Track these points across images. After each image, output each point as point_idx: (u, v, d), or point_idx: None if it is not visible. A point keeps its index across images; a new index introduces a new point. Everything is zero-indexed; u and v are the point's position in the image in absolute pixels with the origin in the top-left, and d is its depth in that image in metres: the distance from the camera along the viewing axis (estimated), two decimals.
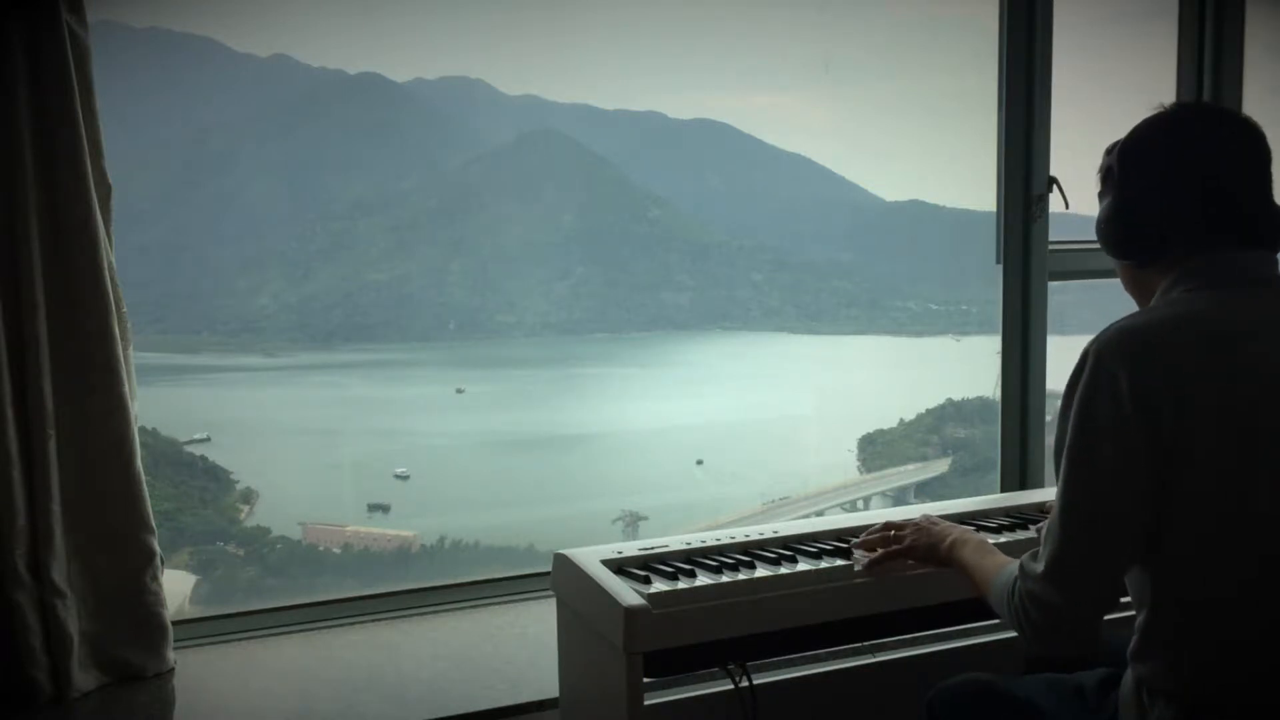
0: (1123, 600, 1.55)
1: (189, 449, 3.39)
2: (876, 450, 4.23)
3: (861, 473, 4.19)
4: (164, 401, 3.19)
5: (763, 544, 2.10)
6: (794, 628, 1.96)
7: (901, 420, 4.24)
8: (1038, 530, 2.12)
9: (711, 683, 2.24)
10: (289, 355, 3.78)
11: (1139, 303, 1.65)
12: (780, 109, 4.19)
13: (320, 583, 3.52)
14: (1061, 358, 2.95)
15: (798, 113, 4.22)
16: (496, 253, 3.97)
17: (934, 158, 4.10)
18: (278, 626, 2.60)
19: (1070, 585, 1.48)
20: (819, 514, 3.85)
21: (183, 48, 3.30)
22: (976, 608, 1.79)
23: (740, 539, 2.11)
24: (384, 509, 3.65)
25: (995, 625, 2.41)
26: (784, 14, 3.90)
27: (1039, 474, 3.04)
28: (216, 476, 3.43)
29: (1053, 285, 3.00)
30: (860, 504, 4.07)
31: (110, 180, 2.22)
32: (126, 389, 2.24)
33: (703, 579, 1.91)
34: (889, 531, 2.01)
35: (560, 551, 2.05)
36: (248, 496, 3.48)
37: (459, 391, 3.96)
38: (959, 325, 4.34)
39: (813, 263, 4.37)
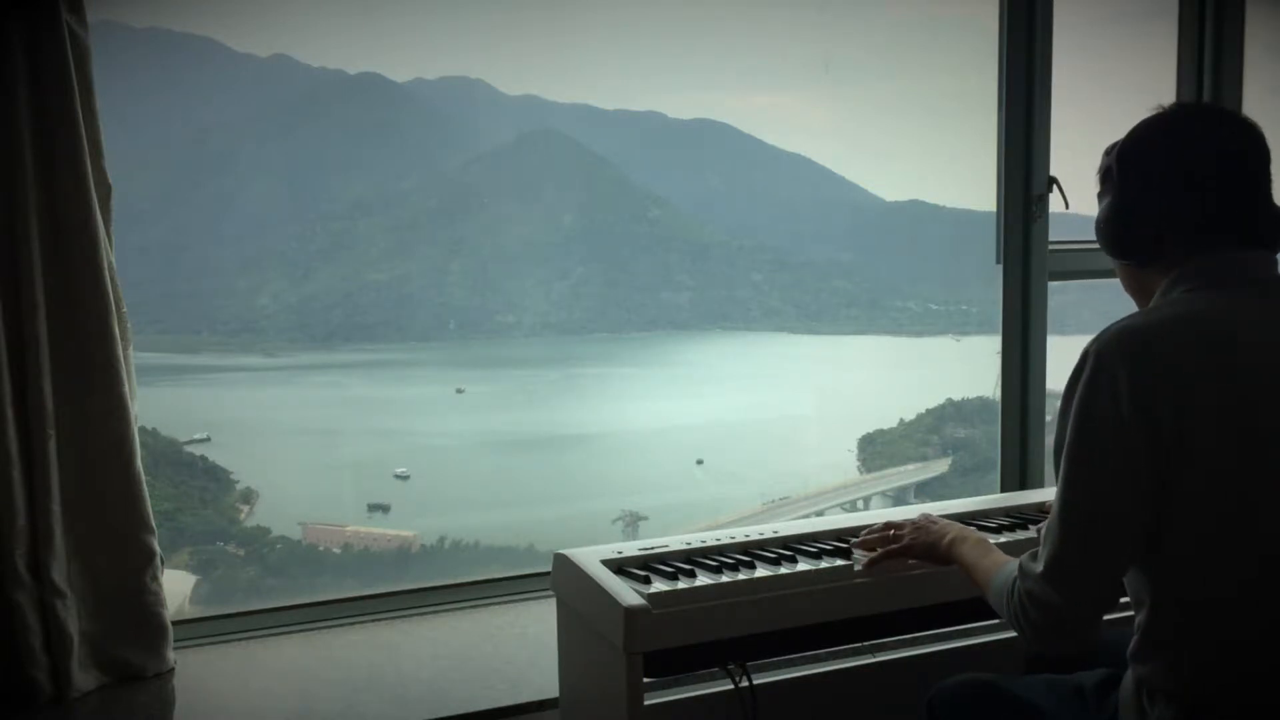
0: (1122, 600, 1.55)
1: (189, 449, 3.40)
2: (876, 450, 4.23)
3: (861, 473, 4.19)
4: (164, 401, 3.19)
5: (763, 544, 2.10)
6: (794, 628, 1.96)
7: (901, 420, 4.24)
8: (1038, 530, 2.12)
9: (711, 683, 2.24)
10: (289, 355, 3.78)
11: (1139, 303, 1.65)
12: (780, 109, 4.19)
13: (320, 583, 3.52)
14: (1061, 358, 2.95)
15: (798, 113, 4.22)
16: (496, 253, 3.97)
17: (934, 158, 4.10)
18: (278, 626, 2.60)
19: (1069, 585, 1.48)
20: (819, 514, 3.85)
21: (183, 48, 3.30)
22: (976, 608, 1.79)
23: (740, 539, 2.11)
24: (384, 509, 3.65)
25: (995, 625, 2.41)
26: (784, 14, 3.90)
27: (1039, 474, 3.04)
28: (216, 476, 3.43)
29: (1053, 285, 3.00)
30: (860, 504, 4.07)
31: (110, 180, 2.22)
32: (126, 389, 2.24)
33: (703, 579, 1.91)
34: (889, 531, 2.01)
35: (560, 551, 2.05)
36: (248, 496, 3.48)
37: (459, 391, 3.96)
38: (959, 325, 4.34)
39: (813, 263, 4.37)
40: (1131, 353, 1.44)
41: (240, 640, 2.54)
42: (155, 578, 2.30)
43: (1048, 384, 3.03)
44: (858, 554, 2.00)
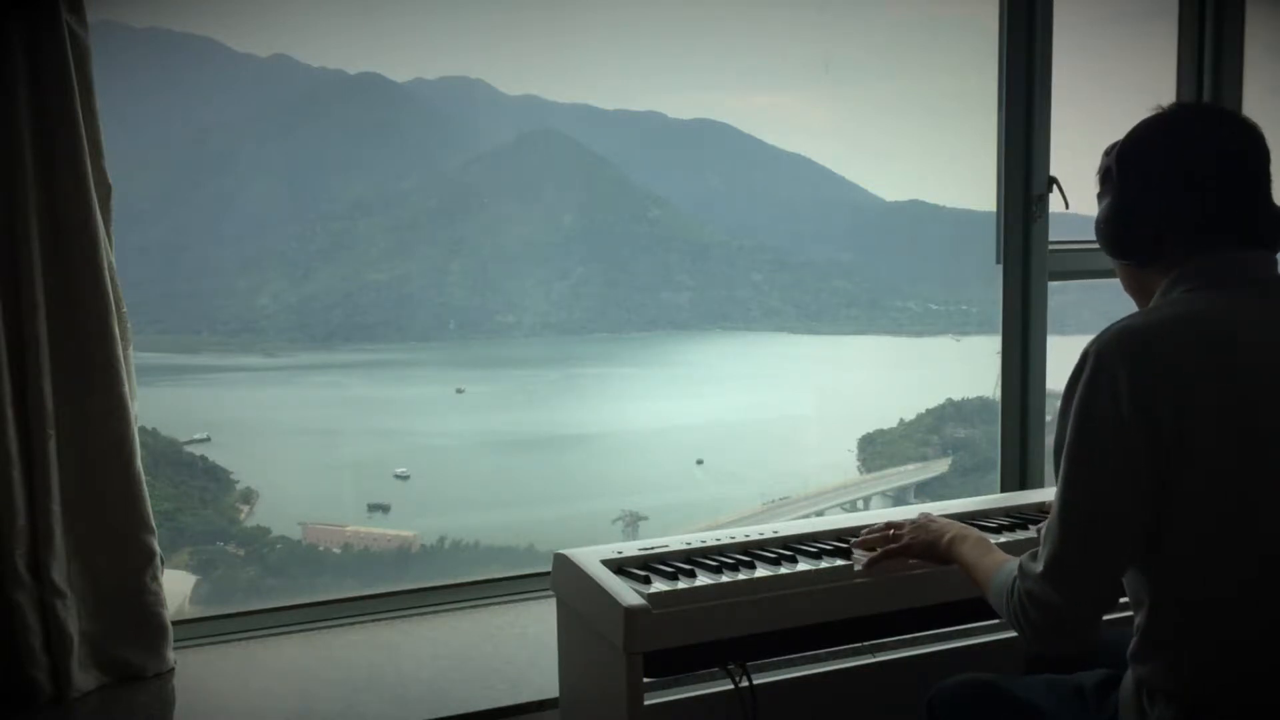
0: (1122, 600, 1.55)
1: (189, 449, 3.40)
2: (876, 450, 4.23)
3: (861, 473, 4.19)
4: (164, 401, 3.19)
5: (763, 544, 2.10)
6: (794, 628, 1.96)
7: (901, 420, 4.24)
8: (1038, 530, 2.12)
9: (711, 683, 2.24)
10: (289, 355, 3.78)
11: (1139, 303, 1.65)
12: (780, 109, 4.19)
13: (320, 583, 3.52)
14: (1061, 358, 2.95)
15: (798, 113, 4.22)
16: (496, 253, 3.97)
17: (934, 158, 4.10)
18: (278, 626, 2.60)
19: (1069, 585, 1.48)
20: (819, 514, 3.85)
21: (183, 48, 3.30)
22: (976, 608, 1.79)
23: (740, 539, 2.11)
24: (384, 509, 3.65)
25: (995, 625, 2.41)
26: (784, 14, 3.90)
27: (1039, 474, 3.04)
28: (216, 476, 3.43)
29: (1053, 285, 3.00)
30: (860, 504, 4.07)
31: (110, 180, 2.22)
32: (126, 389, 2.24)
33: (703, 579, 1.91)
34: (889, 531, 2.01)
35: (560, 551, 2.05)
36: (248, 496, 3.48)
37: (459, 391, 3.96)
38: (959, 325, 4.34)
39: (813, 263, 4.37)
40: (1131, 353, 1.44)
41: (240, 640, 2.54)
42: (155, 578, 2.30)
43: (1048, 384, 3.03)
44: (857, 554, 2.00)
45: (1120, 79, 3.50)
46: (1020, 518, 2.29)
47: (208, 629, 2.54)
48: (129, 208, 2.44)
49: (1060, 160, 2.95)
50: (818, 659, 2.38)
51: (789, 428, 4.39)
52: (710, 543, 2.09)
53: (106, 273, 2.19)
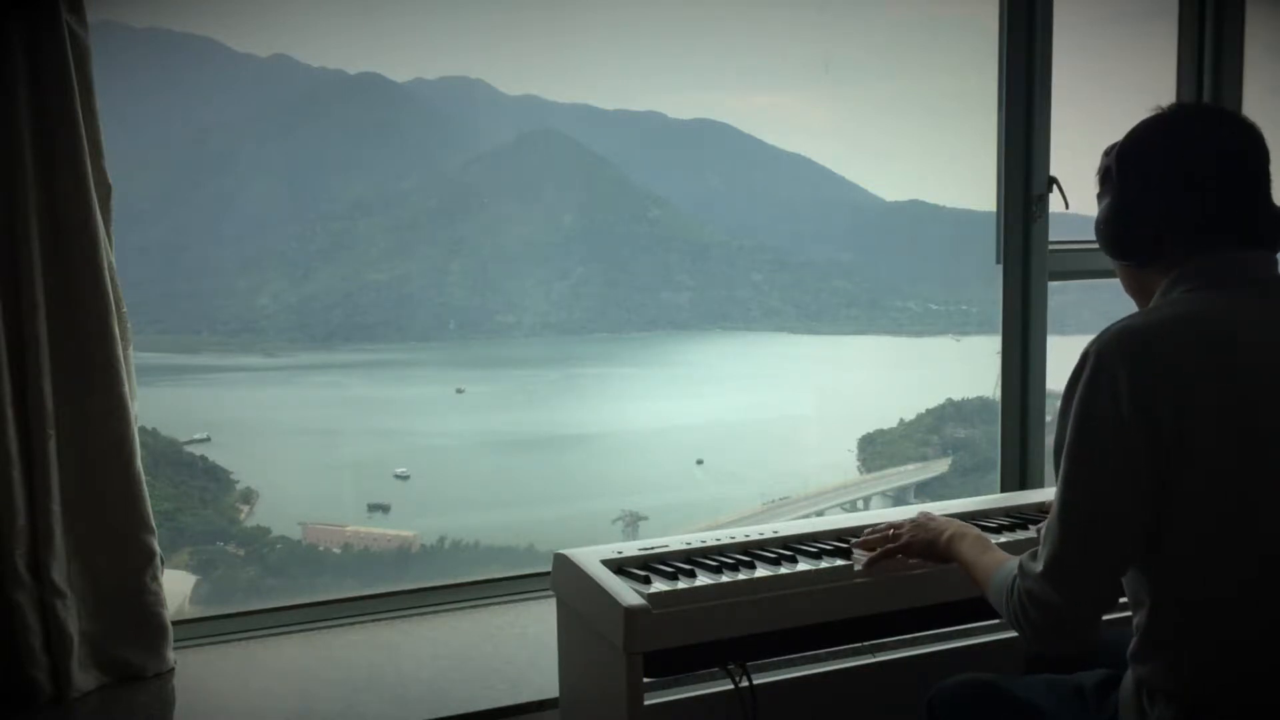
0: (1122, 600, 1.55)
1: (189, 449, 3.40)
2: (876, 450, 4.23)
3: (861, 473, 4.19)
4: (164, 401, 3.19)
5: (763, 544, 2.10)
6: (794, 628, 1.96)
7: (901, 420, 4.24)
8: (1038, 530, 2.12)
9: (711, 683, 2.24)
10: (289, 355, 3.78)
11: (1139, 303, 1.65)
12: (780, 109, 4.19)
13: (320, 583, 3.52)
14: (1061, 358, 2.95)
15: (798, 113, 4.22)
16: (496, 253, 3.97)
17: (934, 158, 4.10)
18: (278, 626, 2.60)
19: (1069, 585, 1.48)
20: (819, 514, 3.85)
21: (183, 48, 3.30)
22: (976, 608, 1.79)
23: (740, 539, 2.11)
24: (384, 509, 3.65)
25: (995, 625, 2.41)
26: (784, 14, 3.90)
27: (1039, 474, 3.04)
28: (216, 476, 3.43)
29: (1053, 285, 3.00)
30: (860, 504, 4.07)
31: (110, 180, 2.22)
32: (126, 389, 2.24)
33: (703, 579, 1.91)
34: (889, 531, 2.01)
35: (560, 551, 2.05)
36: (248, 496, 3.48)
37: (459, 391, 3.96)
38: (959, 325, 4.34)
39: (813, 263, 4.38)
40: (1131, 353, 1.44)
41: (240, 640, 2.54)
42: (155, 578, 2.30)
43: (1048, 384, 3.03)
44: (857, 554, 2.00)
45: (1120, 79, 3.50)
46: (1020, 518, 2.29)
47: (208, 629, 2.54)
48: (129, 208, 2.44)
49: (1060, 160, 2.95)
50: (818, 659, 2.38)
51: (789, 428, 4.39)
52: (710, 543, 2.09)
53: (106, 273, 2.19)
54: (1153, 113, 1.60)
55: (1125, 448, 1.43)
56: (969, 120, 3.22)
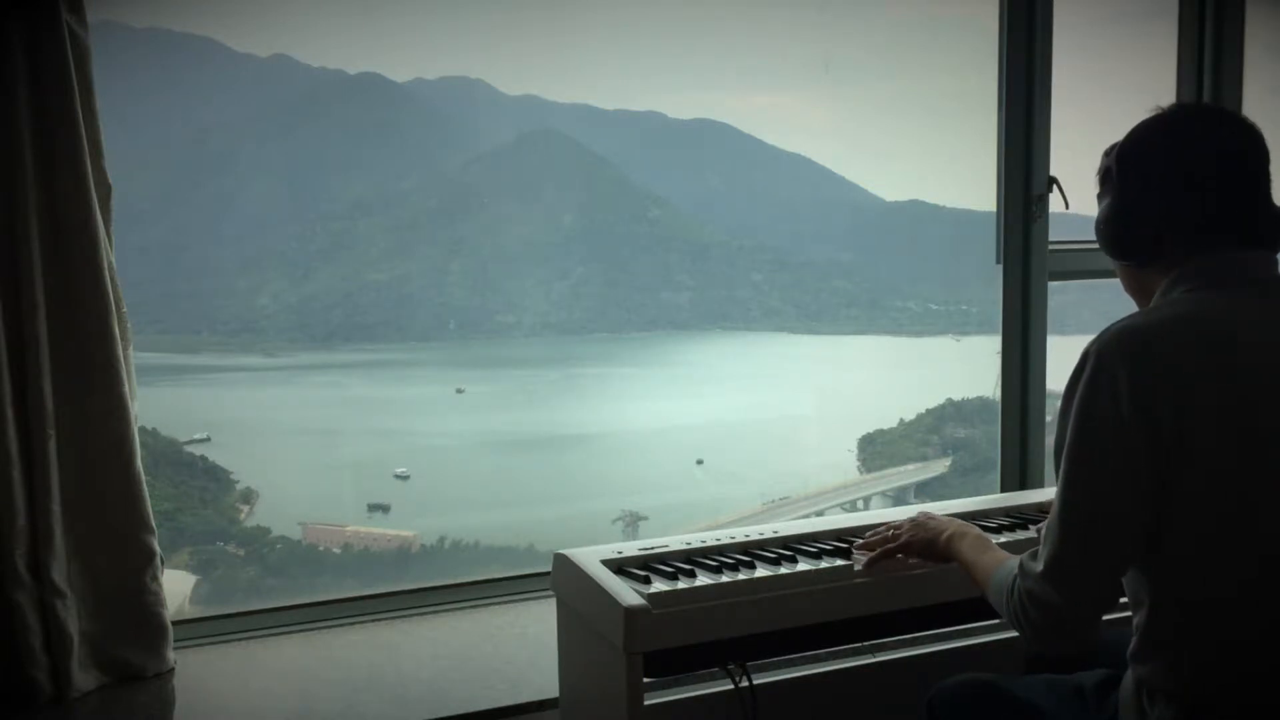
0: (1122, 600, 1.55)
1: (189, 449, 3.40)
2: (876, 450, 4.23)
3: (861, 473, 4.19)
4: (164, 401, 3.19)
5: (763, 544, 2.10)
6: (794, 628, 1.95)
7: (901, 420, 4.24)
8: (1038, 530, 2.12)
9: (711, 683, 2.24)
10: (289, 355, 3.78)
11: (1139, 303, 1.65)
12: (780, 109, 4.19)
13: (320, 583, 3.52)
14: (1061, 358, 2.95)
15: (798, 113, 4.22)
16: (496, 253, 3.97)
17: (934, 158, 4.10)
18: (278, 626, 2.60)
19: (1069, 585, 1.48)
20: (819, 514, 3.85)
21: (183, 48, 3.30)
22: (976, 608, 1.79)
23: (740, 539, 2.11)
24: (384, 509, 3.65)
25: (995, 625, 2.41)
26: (784, 14, 3.90)
27: (1039, 474, 3.04)
28: (216, 476, 3.43)
29: (1053, 285, 3.00)
30: (860, 504, 4.07)
31: (110, 180, 2.22)
32: (126, 389, 2.24)
33: (703, 579, 1.91)
34: (890, 532, 2.01)
35: (560, 551, 2.05)
36: (248, 496, 3.48)
37: (459, 391, 3.96)
38: (959, 325, 4.34)
39: (813, 263, 4.38)
40: (1131, 353, 1.44)
41: (240, 640, 2.54)
42: (155, 578, 2.30)
43: (1048, 384, 3.03)
44: (858, 554, 2.00)
45: (1120, 79, 3.50)
46: (1020, 518, 2.29)
47: (208, 629, 2.54)
48: (129, 208, 2.44)
49: (1060, 160, 2.95)
50: (818, 659, 2.38)
51: (789, 428, 4.39)
52: (710, 543, 2.09)
53: (106, 273, 2.19)
54: (1153, 113, 1.60)
55: (1125, 448, 1.43)
56: (969, 120, 3.22)
